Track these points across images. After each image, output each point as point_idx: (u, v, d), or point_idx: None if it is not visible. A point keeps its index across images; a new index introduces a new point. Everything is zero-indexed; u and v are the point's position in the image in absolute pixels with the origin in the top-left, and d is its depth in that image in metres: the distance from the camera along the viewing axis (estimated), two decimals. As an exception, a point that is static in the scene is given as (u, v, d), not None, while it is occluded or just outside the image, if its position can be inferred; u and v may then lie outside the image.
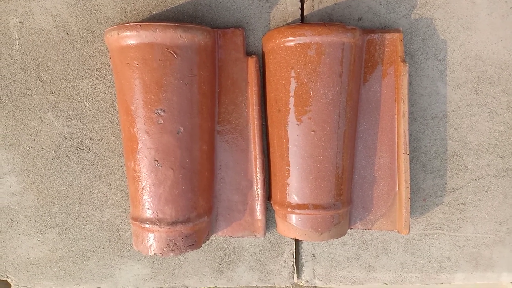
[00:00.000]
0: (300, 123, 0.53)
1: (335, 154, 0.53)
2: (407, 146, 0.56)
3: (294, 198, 0.54)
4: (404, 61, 0.55)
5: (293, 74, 0.52)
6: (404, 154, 0.56)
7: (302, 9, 0.58)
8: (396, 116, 0.57)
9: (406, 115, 0.56)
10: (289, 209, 0.54)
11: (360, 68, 0.56)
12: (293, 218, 0.54)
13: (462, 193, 0.62)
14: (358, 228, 0.60)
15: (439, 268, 0.64)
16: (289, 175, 0.54)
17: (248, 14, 0.58)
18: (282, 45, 0.53)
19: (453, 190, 0.62)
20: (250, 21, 0.58)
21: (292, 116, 0.53)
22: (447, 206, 0.63)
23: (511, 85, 0.60)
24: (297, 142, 0.53)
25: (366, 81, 0.58)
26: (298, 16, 0.58)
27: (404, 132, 0.56)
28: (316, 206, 0.53)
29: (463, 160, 0.62)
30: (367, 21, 0.58)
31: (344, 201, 0.55)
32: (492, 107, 0.60)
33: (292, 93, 0.53)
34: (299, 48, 0.52)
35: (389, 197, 0.59)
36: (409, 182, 0.56)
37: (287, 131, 0.54)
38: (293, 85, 0.53)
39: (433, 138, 0.61)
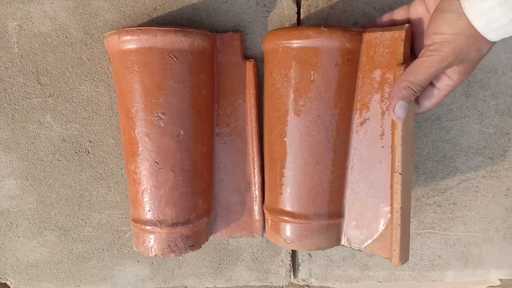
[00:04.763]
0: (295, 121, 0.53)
1: (324, 164, 0.52)
2: (399, 164, 0.47)
3: (279, 204, 0.54)
4: (400, 64, 0.47)
5: (284, 79, 0.53)
6: (396, 172, 0.48)
7: (298, 13, 0.60)
8: (391, 128, 0.50)
9: (400, 127, 0.47)
10: (277, 215, 0.54)
11: (356, 73, 0.53)
12: (275, 224, 0.55)
13: (453, 193, 0.64)
14: (350, 247, 0.55)
15: (431, 266, 0.66)
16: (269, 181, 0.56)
17: (246, 18, 0.59)
18: (267, 49, 0.54)
19: (444, 191, 0.64)
20: (248, 25, 0.59)
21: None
22: (438, 206, 0.65)
23: (499, 89, 0.62)
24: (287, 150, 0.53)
25: (363, 87, 0.53)
26: (295, 20, 0.59)
27: (397, 147, 0.48)
28: (297, 215, 0.53)
29: (454, 161, 0.64)
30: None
31: (325, 214, 0.53)
32: (482, 110, 0.62)
33: (281, 102, 0.53)
34: (288, 51, 0.52)
35: (383, 219, 0.52)
36: (400, 206, 0.48)
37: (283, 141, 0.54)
38: (284, 91, 0.53)
39: (425, 140, 0.63)
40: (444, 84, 0.45)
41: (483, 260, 0.67)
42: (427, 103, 0.47)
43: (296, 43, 0.51)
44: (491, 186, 0.64)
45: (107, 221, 0.62)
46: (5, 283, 0.64)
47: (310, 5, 0.59)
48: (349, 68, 0.51)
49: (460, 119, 0.62)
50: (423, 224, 0.65)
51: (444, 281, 0.68)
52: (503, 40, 0.59)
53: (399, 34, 0.47)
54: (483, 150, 0.63)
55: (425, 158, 0.63)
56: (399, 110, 0.45)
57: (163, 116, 0.51)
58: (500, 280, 0.72)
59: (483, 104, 0.62)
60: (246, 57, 0.59)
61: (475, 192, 0.64)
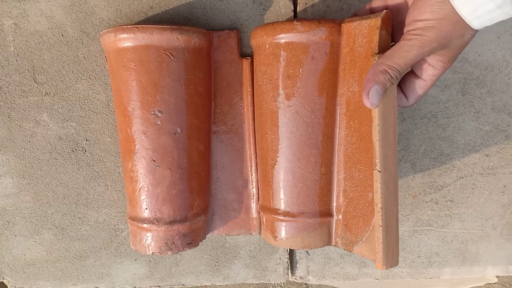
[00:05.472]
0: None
1: (306, 161, 0.51)
2: (377, 161, 0.43)
3: (268, 201, 0.55)
4: (375, 54, 0.43)
5: (263, 76, 0.53)
6: (375, 170, 0.43)
7: (295, 11, 0.60)
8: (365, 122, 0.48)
9: (376, 121, 0.43)
10: (266, 212, 0.55)
11: (337, 66, 0.50)
12: (265, 221, 0.56)
13: (450, 191, 0.65)
14: (339, 247, 0.52)
15: (428, 263, 0.66)
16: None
17: (242, 16, 0.59)
18: (253, 46, 0.54)
19: (441, 188, 0.65)
20: (244, 23, 0.59)
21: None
22: (435, 203, 0.65)
23: (496, 86, 0.62)
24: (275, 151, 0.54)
25: (345, 80, 0.49)
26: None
27: (374, 143, 0.43)
28: (281, 213, 0.52)
29: (451, 158, 0.64)
30: (358, 24, 0.60)
31: (311, 212, 0.52)
32: (478, 107, 0.62)
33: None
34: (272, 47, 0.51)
35: (370, 220, 0.48)
36: (381, 206, 0.43)
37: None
38: (264, 88, 0.53)
39: (422, 138, 0.63)
40: (429, 74, 0.43)
41: (480, 257, 0.67)
42: (414, 95, 0.45)
43: (272, 39, 0.51)
44: (488, 183, 0.64)
45: (104, 219, 0.62)
46: (2, 282, 0.64)
47: (306, 3, 0.59)
48: (328, 61, 0.49)
49: (457, 116, 0.63)
50: (420, 221, 0.65)
51: (441, 278, 0.68)
52: (499, 37, 0.60)
53: (375, 22, 0.44)
54: (480, 148, 0.64)
55: (422, 156, 0.63)
56: (373, 95, 0.41)
57: (159, 114, 0.51)
58: (497, 277, 0.72)
59: (480, 102, 0.62)
60: (243, 55, 0.59)
61: (472, 189, 0.65)
